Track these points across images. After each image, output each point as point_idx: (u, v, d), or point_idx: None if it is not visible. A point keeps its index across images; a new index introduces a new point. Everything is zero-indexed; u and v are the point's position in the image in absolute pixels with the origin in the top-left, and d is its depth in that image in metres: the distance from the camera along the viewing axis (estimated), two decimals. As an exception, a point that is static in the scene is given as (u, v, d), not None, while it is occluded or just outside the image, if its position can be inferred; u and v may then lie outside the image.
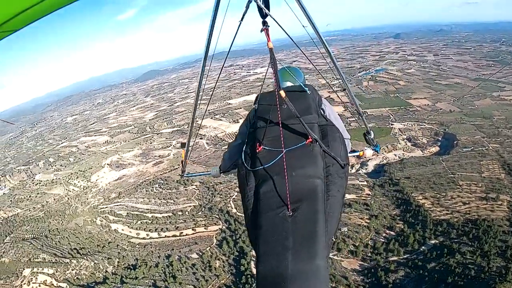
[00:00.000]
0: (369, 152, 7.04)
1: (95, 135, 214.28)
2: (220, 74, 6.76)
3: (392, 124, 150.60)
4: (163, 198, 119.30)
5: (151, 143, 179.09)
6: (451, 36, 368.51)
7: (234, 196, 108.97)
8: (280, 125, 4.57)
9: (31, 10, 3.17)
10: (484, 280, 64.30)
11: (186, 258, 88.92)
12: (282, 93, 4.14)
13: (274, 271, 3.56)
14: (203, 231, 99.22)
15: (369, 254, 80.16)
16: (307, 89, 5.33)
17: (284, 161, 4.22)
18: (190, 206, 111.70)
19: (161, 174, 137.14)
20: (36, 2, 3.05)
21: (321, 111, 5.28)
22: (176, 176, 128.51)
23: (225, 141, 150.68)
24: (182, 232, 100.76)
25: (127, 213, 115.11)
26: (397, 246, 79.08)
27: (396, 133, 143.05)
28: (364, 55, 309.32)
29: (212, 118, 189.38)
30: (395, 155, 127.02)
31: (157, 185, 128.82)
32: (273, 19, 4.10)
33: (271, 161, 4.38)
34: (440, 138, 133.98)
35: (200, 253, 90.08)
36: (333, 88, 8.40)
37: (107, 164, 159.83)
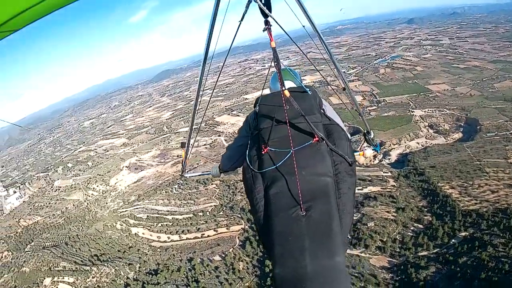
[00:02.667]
0: (369, 152, 7.11)
1: (112, 138, 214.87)
2: (218, 77, 7.29)
3: (412, 112, 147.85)
4: (183, 199, 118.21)
5: (168, 142, 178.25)
6: (465, 18, 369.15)
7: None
8: (288, 125, 4.50)
9: (32, 10, 3.24)
10: (519, 275, 61.67)
11: (209, 261, 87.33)
12: (287, 92, 4.23)
13: (292, 273, 3.54)
14: (225, 232, 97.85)
15: (398, 250, 77.67)
16: (308, 89, 5.23)
17: (293, 160, 4.16)
18: (211, 206, 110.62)
19: (180, 174, 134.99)
20: (36, 2, 3.13)
21: (322, 110, 5.22)
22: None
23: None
24: (203, 234, 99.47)
25: (147, 216, 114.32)
26: (426, 240, 76.48)
27: (418, 120, 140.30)
28: (379, 42, 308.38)
29: (229, 114, 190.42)
30: (418, 143, 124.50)
31: (176, 186, 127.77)
32: (274, 20, 4.09)
33: (279, 161, 4.30)
34: (462, 124, 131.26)
35: (223, 255, 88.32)
36: (330, 84, 8.41)
37: (126, 166, 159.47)
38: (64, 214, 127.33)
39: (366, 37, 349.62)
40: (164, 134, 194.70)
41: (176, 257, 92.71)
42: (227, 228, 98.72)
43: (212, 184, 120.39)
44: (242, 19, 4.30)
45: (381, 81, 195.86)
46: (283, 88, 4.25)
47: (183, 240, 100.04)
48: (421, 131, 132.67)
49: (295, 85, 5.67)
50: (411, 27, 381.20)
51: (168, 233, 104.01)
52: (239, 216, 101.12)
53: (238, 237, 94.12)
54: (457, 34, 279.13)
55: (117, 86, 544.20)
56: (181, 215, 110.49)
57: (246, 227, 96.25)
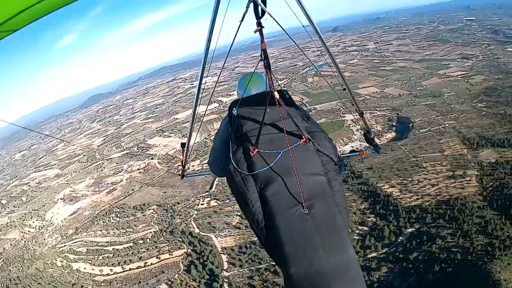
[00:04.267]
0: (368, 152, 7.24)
1: (45, 170, 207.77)
2: (219, 76, 8.43)
3: (343, 117, 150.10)
4: (122, 228, 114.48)
5: (102, 170, 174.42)
6: (389, 22, 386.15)
7: (194, 215, 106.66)
8: (283, 125, 4.48)
9: (31, 10, 3.31)
10: (472, 262, 62.91)
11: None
12: (276, 94, 4.30)
13: (310, 270, 3.53)
14: (168, 258, 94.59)
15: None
16: (285, 93, 5.19)
17: (292, 160, 4.16)
18: (150, 232, 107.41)
19: (116, 202, 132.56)
20: (36, 2, 3.20)
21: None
22: (132, 202, 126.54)
23: (177, 157, 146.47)
24: (146, 262, 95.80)
25: (87, 249, 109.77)
26: (373, 242, 77.15)
27: (350, 124, 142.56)
28: (305, 52, 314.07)
29: (160, 135, 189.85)
30: (352, 147, 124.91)
31: (113, 215, 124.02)
32: (272, 17, 4.29)
33: (272, 162, 4.27)
34: (394, 123, 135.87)
35: (169, 282, 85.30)
36: (327, 80, 8.29)
37: (60, 198, 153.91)
38: (2, 255, 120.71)
39: (293, 48, 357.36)
40: (96, 162, 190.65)
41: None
42: (169, 254, 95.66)
43: (149, 209, 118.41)
44: (242, 19, 4.43)
45: (310, 89, 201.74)
46: (273, 90, 4.32)
47: (126, 271, 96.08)
48: (354, 134, 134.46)
49: (263, 90, 5.65)
50: (336, 35, 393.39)
51: (110, 265, 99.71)
52: (180, 240, 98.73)
53: (182, 262, 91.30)
54: (382, 38, 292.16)
55: (48, 115, 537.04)
56: (121, 245, 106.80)
57: (189, 250, 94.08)
